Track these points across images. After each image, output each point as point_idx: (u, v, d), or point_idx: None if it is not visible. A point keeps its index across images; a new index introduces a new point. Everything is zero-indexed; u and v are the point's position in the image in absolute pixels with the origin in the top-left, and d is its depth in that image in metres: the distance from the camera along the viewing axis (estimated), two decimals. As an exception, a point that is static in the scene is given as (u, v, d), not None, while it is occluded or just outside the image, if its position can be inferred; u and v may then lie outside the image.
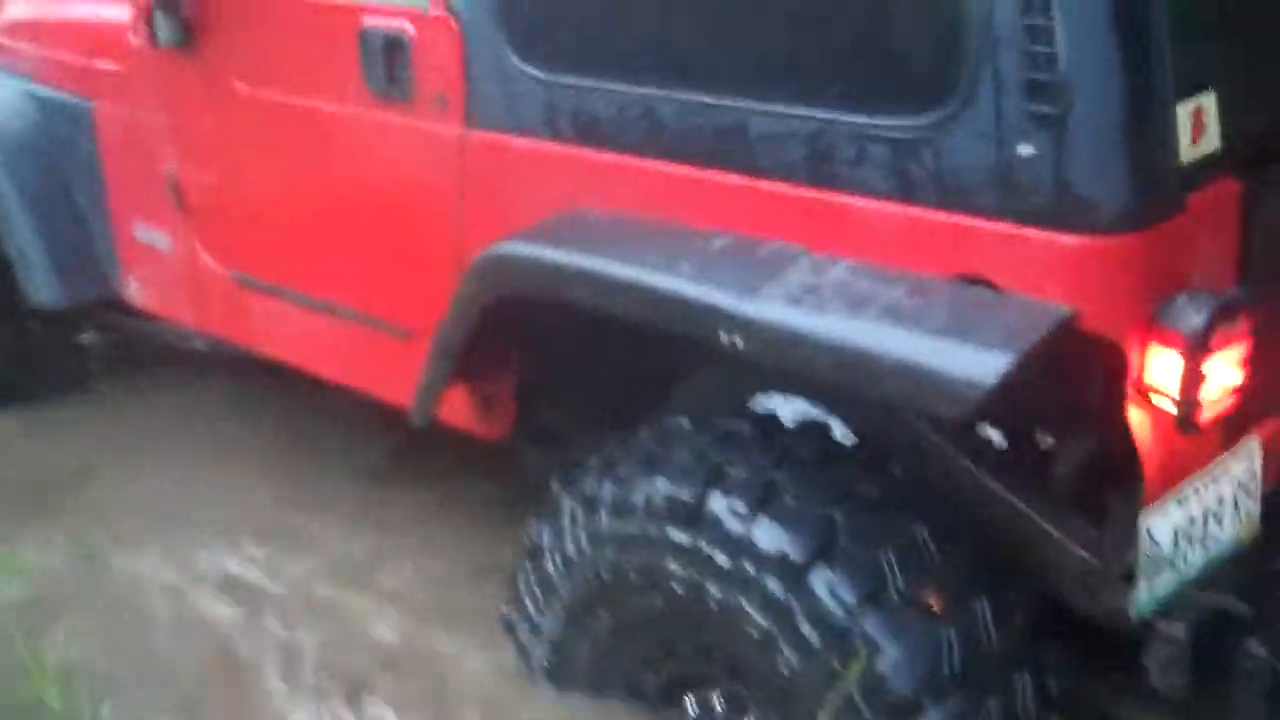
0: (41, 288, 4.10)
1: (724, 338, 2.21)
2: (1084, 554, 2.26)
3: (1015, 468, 2.42)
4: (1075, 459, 2.30)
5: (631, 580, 2.54)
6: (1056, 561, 2.30)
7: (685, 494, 2.41)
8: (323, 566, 3.57)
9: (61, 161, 4.09)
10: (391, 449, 4.10)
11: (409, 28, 2.85)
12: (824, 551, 2.28)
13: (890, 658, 2.22)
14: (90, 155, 3.98)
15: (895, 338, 2.06)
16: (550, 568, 2.69)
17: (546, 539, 2.71)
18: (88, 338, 4.69)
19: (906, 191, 2.19)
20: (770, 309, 2.18)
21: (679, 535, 2.41)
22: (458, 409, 3.02)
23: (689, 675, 2.66)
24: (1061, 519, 2.30)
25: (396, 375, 3.11)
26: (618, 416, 3.09)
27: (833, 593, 2.26)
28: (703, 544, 2.38)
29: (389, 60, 2.90)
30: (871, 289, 2.16)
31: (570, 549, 2.64)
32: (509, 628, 2.90)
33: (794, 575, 2.28)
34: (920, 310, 2.10)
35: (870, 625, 2.24)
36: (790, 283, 2.22)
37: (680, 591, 2.45)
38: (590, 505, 2.59)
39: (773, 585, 2.30)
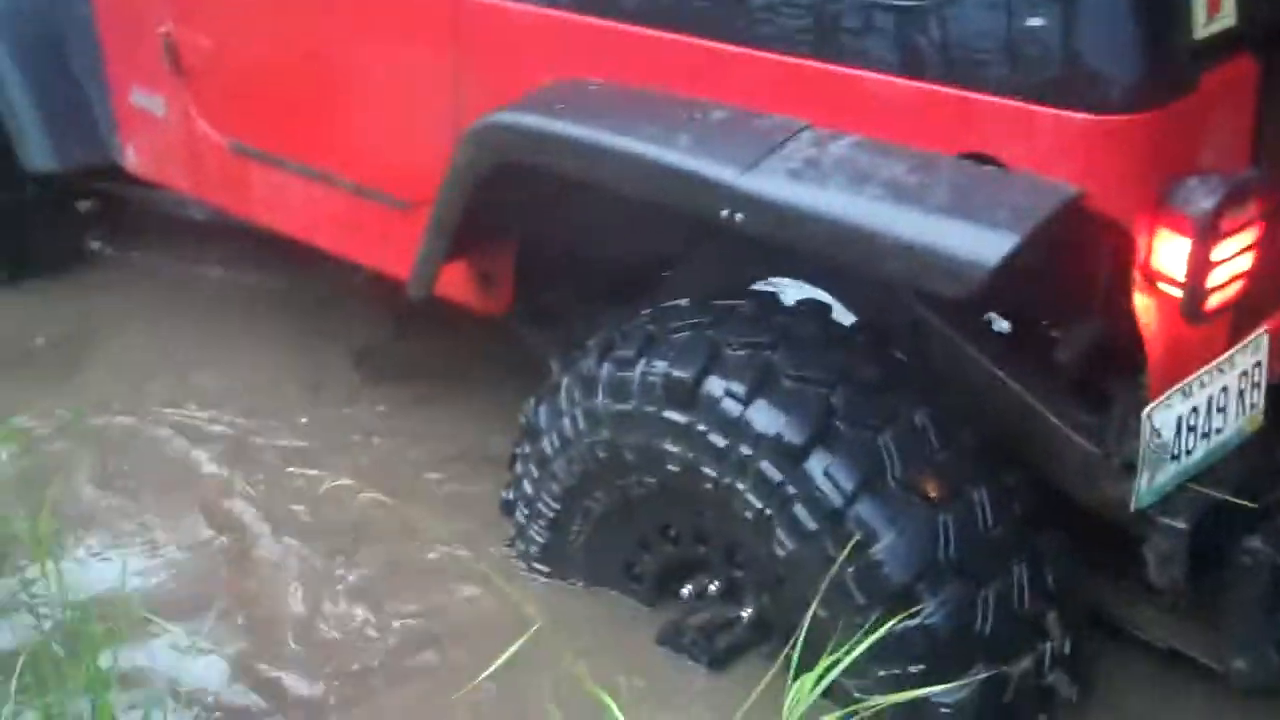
0: (35, 151, 4.04)
1: (723, 213, 2.15)
2: (1085, 443, 2.23)
3: (1018, 354, 2.38)
4: (1078, 346, 2.26)
5: (628, 460, 2.51)
6: (1057, 450, 2.27)
7: (683, 374, 2.37)
8: (308, 444, 3.55)
9: (56, 22, 4.00)
10: (389, 330, 4.07)
11: None
12: (821, 435, 2.24)
13: (886, 544, 2.20)
14: (85, 16, 3.89)
15: (898, 214, 2.00)
16: (548, 448, 2.67)
17: (544, 419, 2.68)
18: (84, 204, 4.63)
19: (912, 65, 2.10)
20: (771, 183, 2.11)
21: (676, 415, 2.38)
22: (456, 284, 2.97)
23: (685, 560, 2.64)
24: (1063, 407, 2.26)
25: (395, 248, 3.05)
26: (616, 295, 3.05)
27: (829, 477, 2.23)
28: (699, 424, 2.35)
29: None
30: (875, 165, 2.09)
31: (568, 428, 2.61)
32: (507, 509, 2.88)
33: (790, 458, 2.25)
34: (924, 187, 2.03)
35: (866, 511, 2.21)
36: (791, 157, 2.14)
37: (676, 471, 2.42)
38: (588, 385, 2.55)
39: (768, 468, 2.27)
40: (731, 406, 2.31)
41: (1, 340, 4.17)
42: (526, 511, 2.81)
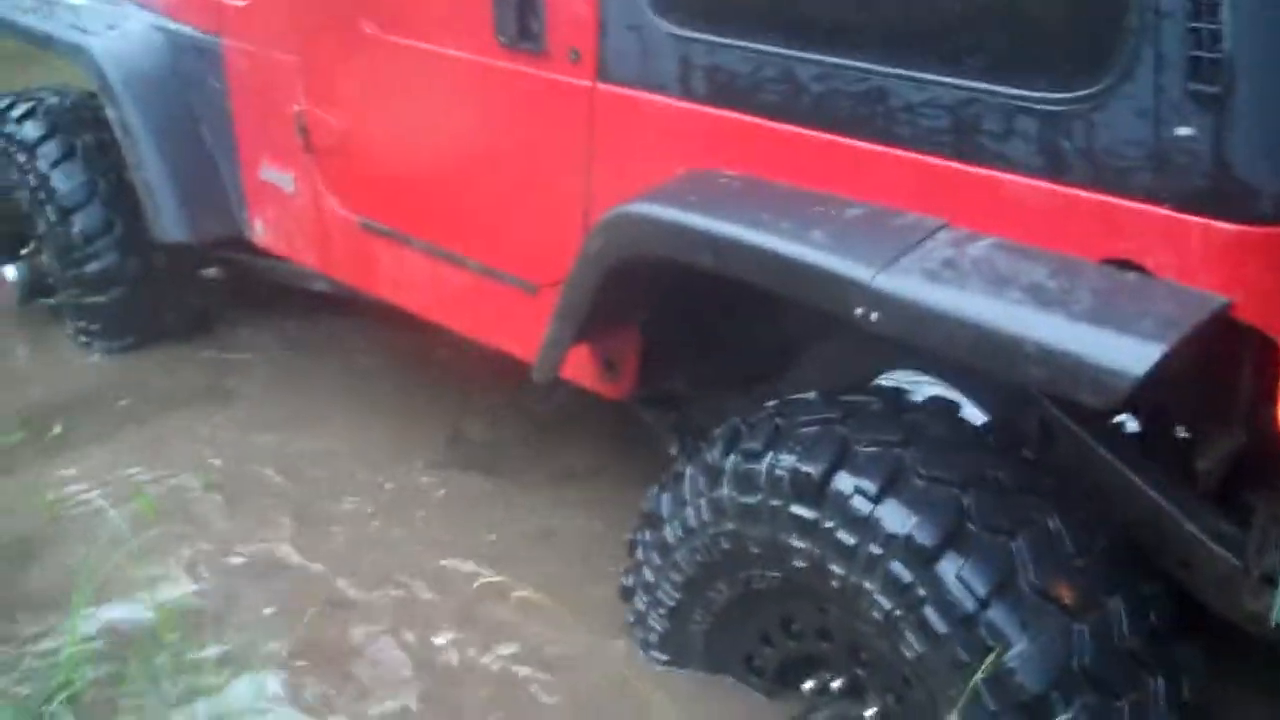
0: (167, 222, 4.14)
1: (858, 311, 2.14)
2: (1224, 554, 2.17)
3: (1155, 460, 2.33)
4: (1218, 455, 2.22)
5: (752, 553, 2.49)
6: (1195, 559, 2.22)
7: (811, 469, 2.35)
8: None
9: (190, 97, 4.11)
10: (496, 407, 4.12)
11: None
12: (953, 537, 2.21)
13: (1019, 651, 2.15)
14: (219, 92, 3.99)
15: (1040, 320, 1.97)
16: (670, 536, 2.66)
17: (667, 507, 2.68)
18: (211, 273, 4.74)
19: (1055, 168, 2.09)
20: (907, 283, 2.10)
21: (803, 510, 2.35)
22: (581, 367, 2.99)
23: (807, 657, 2.62)
24: (1201, 516, 2.21)
25: (521, 329, 3.09)
26: (738, 383, 3.05)
27: (961, 580, 2.19)
28: (827, 521, 2.32)
29: (521, 10, 2.84)
30: (1015, 268, 2.07)
31: (691, 518, 2.60)
32: (626, 595, 2.87)
33: (922, 560, 2.21)
34: (1067, 292, 2.01)
35: (999, 616, 2.16)
36: (929, 256, 2.13)
37: (801, 567, 2.40)
38: (713, 476, 2.54)
39: (898, 568, 2.23)
40: (861, 504, 2.28)
41: (108, 394, 4.31)
42: (646, 599, 2.80)
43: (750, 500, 2.46)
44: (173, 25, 4.12)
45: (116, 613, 3.13)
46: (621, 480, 3.58)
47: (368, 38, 3.31)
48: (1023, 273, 2.06)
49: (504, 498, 3.68)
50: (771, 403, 2.59)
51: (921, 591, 2.21)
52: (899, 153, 2.28)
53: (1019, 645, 2.15)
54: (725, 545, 2.55)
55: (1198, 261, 1.98)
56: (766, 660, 2.70)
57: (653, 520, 2.74)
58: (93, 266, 4.37)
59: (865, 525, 2.27)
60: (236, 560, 3.40)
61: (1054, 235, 2.11)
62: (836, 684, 2.56)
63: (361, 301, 3.88)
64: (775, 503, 2.41)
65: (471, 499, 3.67)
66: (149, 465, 3.85)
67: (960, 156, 2.20)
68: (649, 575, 2.77)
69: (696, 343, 3.02)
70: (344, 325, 4.58)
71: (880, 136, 2.31)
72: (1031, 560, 2.20)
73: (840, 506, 2.31)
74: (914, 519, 2.23)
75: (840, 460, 2.34)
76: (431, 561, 3.36)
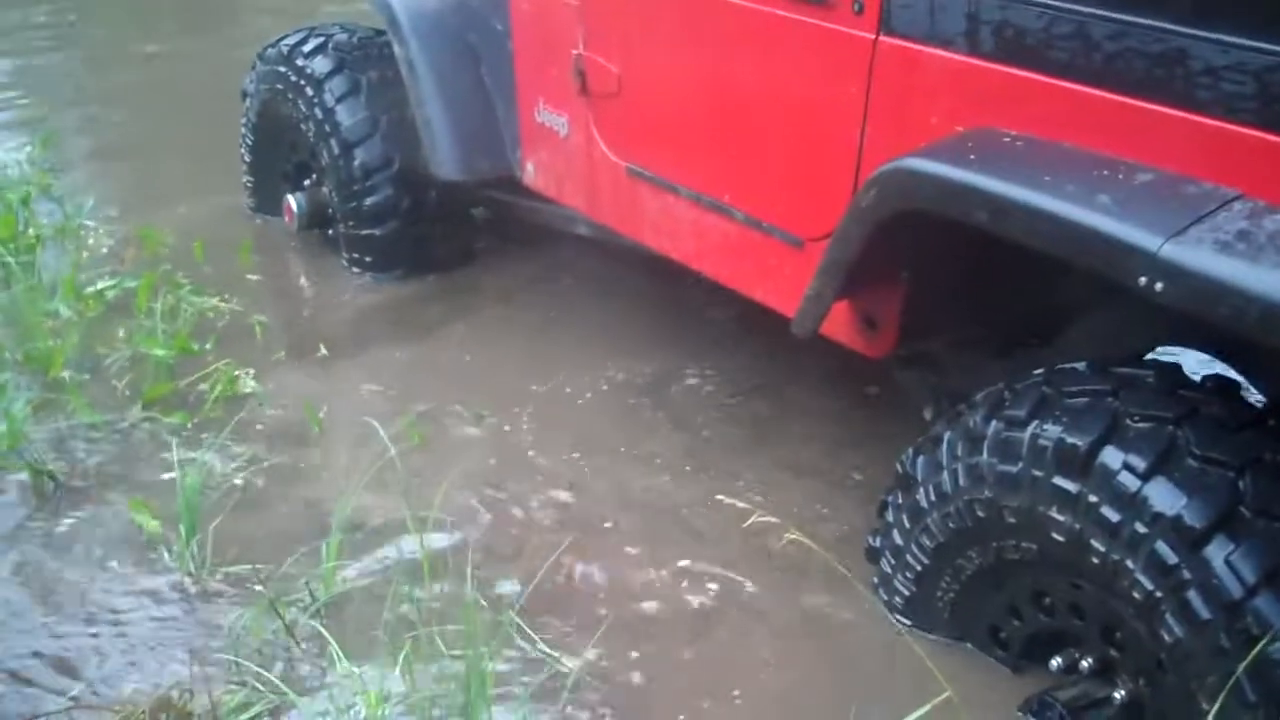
0: (444, 160, 4.25)
1: (1142, 280, 2.06)
2: None
3: None
4: None
5: (1008, 523, 2.44)
6: None
7: (1078, 441, 2.28)
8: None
9: (473, 39, 4.21)
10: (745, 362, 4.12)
11: None
12: (1225, 520, 2.12)
13: None
14: (501, 34, 4.08)
15: None
16: (923, 500, 2.62)
17: (922, 471, 2.64)
18: (478, 212, 4.85)
19: None
20: (1197, 254, 2.01)
21: (1066, 483, 2.29)
22: (840, 324, 2.96)
23: (1056, 633, 2.55)
24: None
25: (783, 283, 3.08)
26: (1000, 349, 2.99)
27: (1230, 565, 2.09)
28: (1091, 495, 2.25)
29: None
30: (1316, 243, 1.98)
31: (946, 483, 2.56)
32: (872, 556, 2.85)
33: (1189, 541, 2.13)
34: None
35: (1267, 605, 2.07)
36: (1221, 228, 2.04)
37: (1060, 541, 2.33)
38: (973, 441, 2.49)
39: (1164, 549, 2.15)
40: (1129, 480, 2.20)
41: (378, 321, 4.48)
42: (893, 561, 2.77)
43: (1010, 468, 2.40)
44: (460, -33, 4.21)
45: (376, 535, 3.25)
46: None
47: None
48: None
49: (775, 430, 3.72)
50: (1038, 370, 2.52)
51: (1186, 574, 2.13)
52: (1196, 118, 2.19)
53: None
54: (980, 513, 2.50)
55: None
56: (1013, 633, 2.64)
57: (906, 483, 2.70)
58: (370, 200, 4.50)
59: (1132, 502, 2.20)
60: (496, 493, 3.46)
61: (1361, 211, 2.00)
62: (1086, 663, 2.49)
63: (623, 246, 3.92)
64: (1037, 473, 2.35)
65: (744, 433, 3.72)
66: (409, 391, 3.97)
67: (1263, 124, 2.10)
68: (898, 538, 2.74)
69: (960, 304, 2.96)
70: (602, 267, 4.63)
71: (1177, 100, 2.21)
72: None
73: (1106, 481, 2.23)
74: (1184, 499, 2.15)
75: (1109, 433, 2.26)
76: (704, 494, 3.40)
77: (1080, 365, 2.48)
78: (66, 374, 3.91)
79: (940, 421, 2.71)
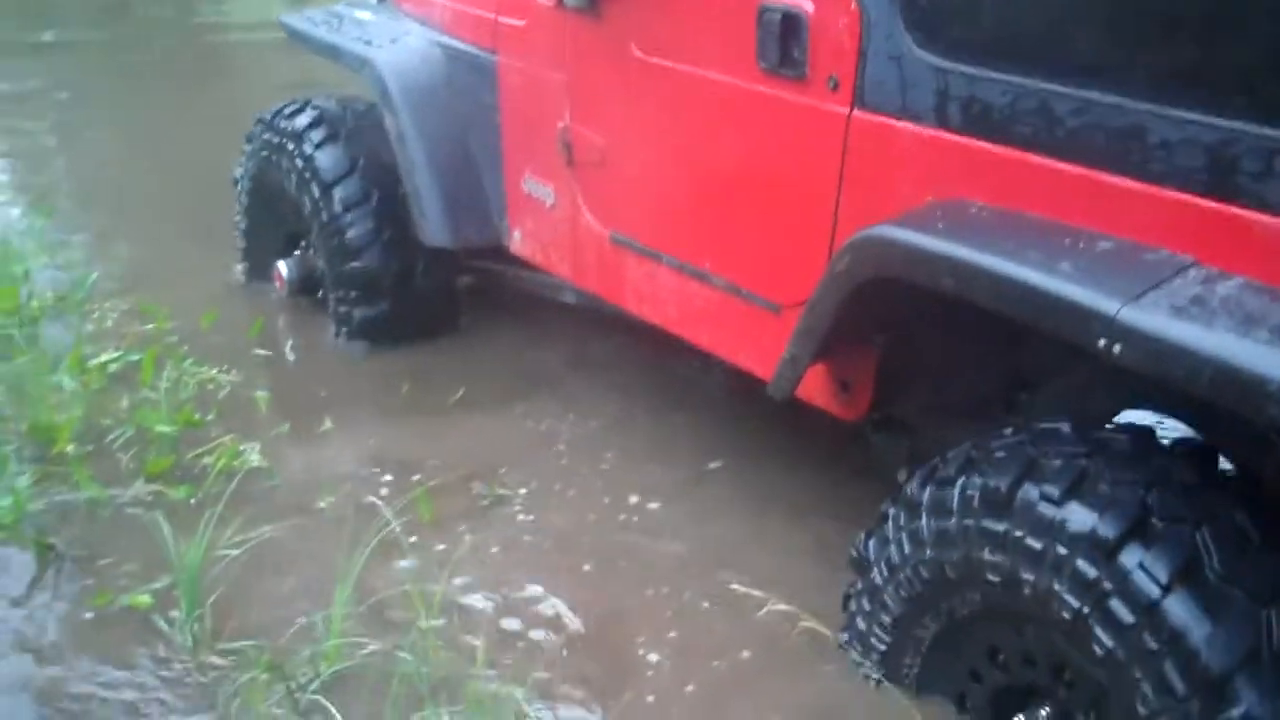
0: (432, 227, 4.35)
1: (1101, 343, 2.16)
2: None
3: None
4: None
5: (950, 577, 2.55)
6: None
7: (1052, 492, 2.36)
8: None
9: (462, 110, 4.32)
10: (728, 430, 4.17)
11: (808, 6, 2.87)
12: (1187, 575, 2.18)
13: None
14: (490, 106, 4.19)
15: None
16: (877, 578, 2.75)
17: (873, 551, 2.77)
18: (464, 280, 4.93)
19: None
20: (1153, 317, 2.11)
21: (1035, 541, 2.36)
22: (816, 388, 3.06)
23: (1015, 686, 2.62)
24: None
25: (762, 348, 3.17)
26: (968, 415, 3.07)
27: (1192, 621, 2.15)
28: (1078, 562, 2.30)
29: (784, 36, 2.93)
30: (1263, 308, 2.07)
31: (894, 555, 2.68)
32: (845, 647, 2.94)
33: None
34: None
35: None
36: (1177, 293, 2.14)
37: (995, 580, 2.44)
38: (911, 509, 2.62)
39: (1158, 648, 2.20)
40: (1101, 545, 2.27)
41: (372, 391, 4.50)
42: (860, 648, 2.85)
43: (945, 524, 2.52)
44: (451, 41, 4.35)
45: (381, 609, 3.25)
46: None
47: (634, 60, 3.44)
48: (1271, 313, 2.05)
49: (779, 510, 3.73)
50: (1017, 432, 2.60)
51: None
52: (1153, 189, 2.30)
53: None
54: (925, 574, 2.61)
55: None
56: (977, 696, 2.70)
57: (861, 566, 2.81)
58: (359, 269, 4.58)
59: (1108, 575, 2.25)
60: (503, 572, 3.47)
61: (1309, 279, 2.10)
62: (1043, 712, 2.55)
63: (608, 313, 4.01)
64: (968, 522, 2.47)
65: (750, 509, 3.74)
66: (415, 463, 3.99)
67: (1214, 194, 2.21)
68: (861, 624, 2.84)
69: (931, 370, 3.05)
70: (590, 335, 4.71)
71: (1135, 172, 2.32)
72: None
73: (1076, 541, 2.30)
74: (1152, 558, 2.21)
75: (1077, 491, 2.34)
76: (715, 581, 3.39)
77: (1062, 425, 2.55)
78: (70, 447, 3.93)
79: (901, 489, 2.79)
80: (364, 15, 4.79)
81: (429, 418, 4.31)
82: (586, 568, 3.47)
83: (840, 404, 3.07)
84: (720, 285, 3.32)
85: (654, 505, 3.75)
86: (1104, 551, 2.24)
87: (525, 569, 3.46)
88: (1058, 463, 2.37)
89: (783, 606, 3.17)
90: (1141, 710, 2.21)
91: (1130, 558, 2.22)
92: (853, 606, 2.86)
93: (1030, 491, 2.37)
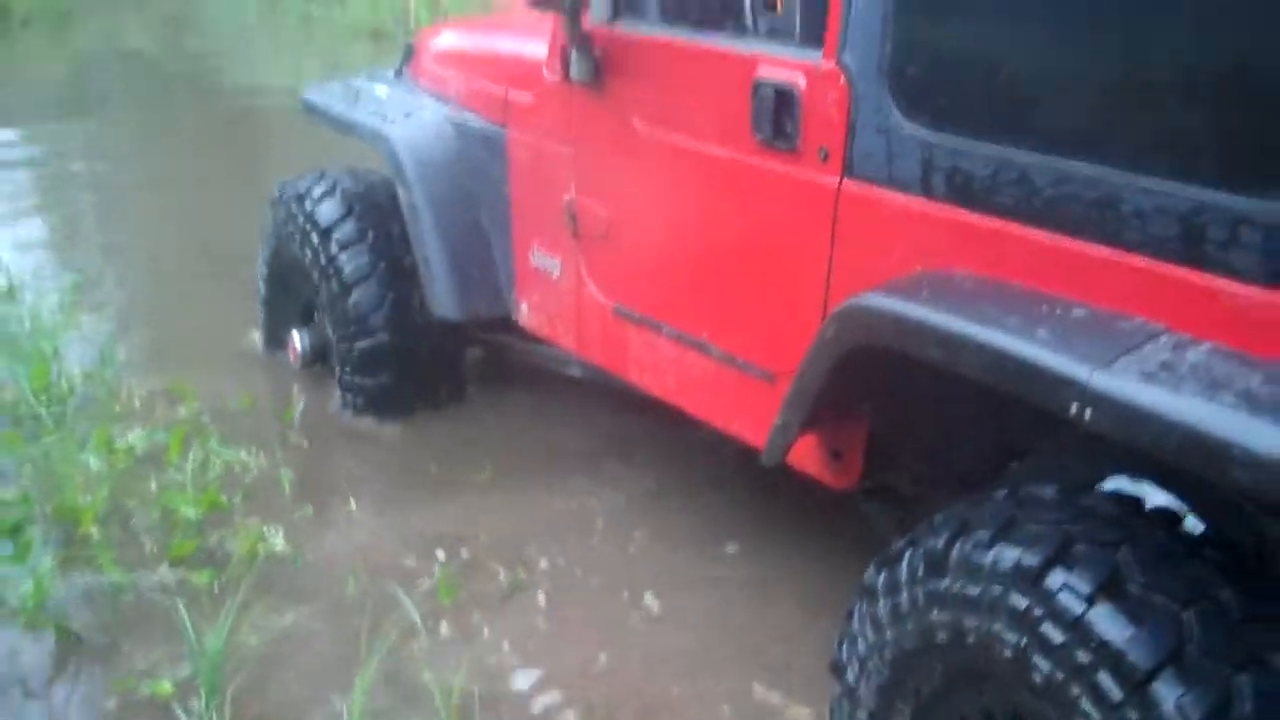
0: (441, 299, 4.42)
1: (1073, 408, 2.18)
2: None
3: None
4: None
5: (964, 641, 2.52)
6: None
7: (982, 538, 2.38)
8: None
9: (473, 184, 4.40)
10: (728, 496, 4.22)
11: (800, 80, 2.93)
12: (1172, 658, 2.16)
13: None
14: (499, 179, 4.27)
15: (1249, 425, 1.98)
16: (850, 682, 2.74)
17: (845, 653, 2.76)
18: (472, 352, 5.00)
19: (1276, 278, 2.12)
20: (1123, 383, 2.13)
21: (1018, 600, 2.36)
22: (808, 456, 3.09)
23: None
24: None
25: (757, 416, 3.20)
26: (959, 482, 3.09)
27: (1179, 709, 2.12)
28: (1038, 614, 2.30)
29: (777, 110, 2.99)
30: (1230, 374, 2.09)
31: (860, 648, 2.68)
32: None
33: (1135, 681, 2.16)
34: (1278, 400, 2.02)
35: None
36: (1147, 359, 2.17)
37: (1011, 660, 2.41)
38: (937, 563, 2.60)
39: (1109, 684, 2.19)
40: (1074, 605, 2.25)
41: (397, 470, 4.56)
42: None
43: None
44: (463, 116, 4.43)
45: (402, 694, 3.28)
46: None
47: (636, 134, 3.51)
48: (1237, 379, 2.07)
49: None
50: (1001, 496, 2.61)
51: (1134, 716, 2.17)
52: (1126, 257, 2.33)
53: None
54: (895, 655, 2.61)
55: None
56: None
57: (837, 669, 2.78)
58: (366, 341, 4.65)
59: (1078, 629, 2.23)
60: (524, 662, 3.49)
61: (1274, 344, 2.12)
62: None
63: (614, 387, 4.05)
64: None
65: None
66: (436, 544, 4.04)
67: (1185, 263, 2.24)
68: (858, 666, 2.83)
69: (921, 439, 3.08)
70: (604, 410, 4.75)
71: (1109, 240, 2.36)
72: (1252, 694, 2.11)
73: (1050, 602, 2.28)
74: (1130, 633, 2.18)
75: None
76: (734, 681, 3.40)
77: (1046, 490, 2.55)
78: (95, 529, 3.96)
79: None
80: (381, 89, 4.88)
81: (454, 497, 4.35)
82: (603, 659, 3.48)
83: (832, 473, 3.09)
84: (717, 355, 3.36)
85: (671, 595, 3.76)
86: (1030, 580, 2.26)
87: (542, 659, 3.47)
88: (987, 516, 2.42)
89: (804, 710, 3.22)
90: None
91: (1054, 580, 2.24)
92: (836, 714, 2.82)
93: (963, 545, 2.40)
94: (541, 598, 3.76)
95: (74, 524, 4.00)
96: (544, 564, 3.92)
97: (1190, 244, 2.23)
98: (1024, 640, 2.32)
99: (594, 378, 4.20)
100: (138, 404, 4.98)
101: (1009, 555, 2.36)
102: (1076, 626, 2.24)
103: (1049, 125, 2.48)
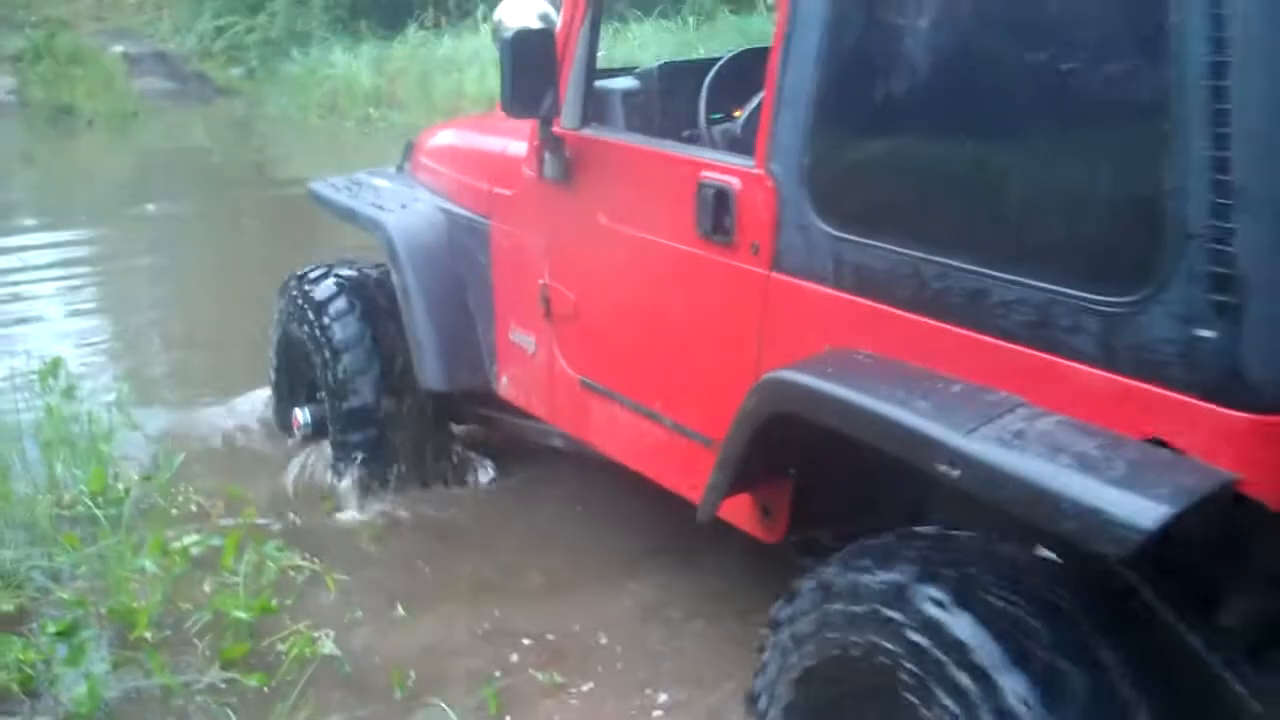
0: (431, 373, 4.82)
1: (943, 467, 2.57)
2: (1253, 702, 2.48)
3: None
4: (1242, 614, 2.54)
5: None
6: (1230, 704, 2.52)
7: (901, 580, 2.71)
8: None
9: (460, 268, 4.82)
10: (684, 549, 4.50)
11: (736, 182, 3.35)
12: (1016, 655, 2.50)
13: None
14: (483, 265, 4.69)
15: (1076, 481, 2.34)
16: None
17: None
18: (460, 429, 5.38)
19: (1110, 359, 2.50)
20: (982, 447, 2.51)
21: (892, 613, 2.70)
22: (740, 512, 3.48)
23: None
24: (1235, 664, 2.52)
25: (700, 478, 3.55)
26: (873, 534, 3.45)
27: (1019, 698, 2.46)
28: (907, 623, 2.64)
29: (717, 208, 3.40)
30: (1070, 439, 2.46)
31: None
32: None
33: (982, 674, 2.51)
34: (1106, 460, 2.38)
35: None
36: (1005, 427, 2.54)
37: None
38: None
39: (963, 679, 2.53)
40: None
41: (440, 569, 4.79)
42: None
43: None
44: (453, 207, 4.88)
45: None
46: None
47: (600, 226, 3.94)
48: (1075, 444, 2.45)
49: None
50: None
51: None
52: (996, 341, 2.73)
53: None
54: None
55: (1216, 444, 2.36)
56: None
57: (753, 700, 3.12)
58: (353, 400, 5.05)
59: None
60: None
61: (1109, 416, 2.51)
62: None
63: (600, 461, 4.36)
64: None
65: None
66: (484, 648, 4.20)
67: (1040, 346, 2.64)
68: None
69: (840, 497, 3.45)
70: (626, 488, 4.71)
71: (982, 327, 2.76)
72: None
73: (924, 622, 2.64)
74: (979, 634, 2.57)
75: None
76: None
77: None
78: (148, 633, 4.04)
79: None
80: (381, 182, 5.33)
81: (496, 597, 4.51)
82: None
83: (762, 527, 3.48)
84: (667, 424, 3.77)
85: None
86: (900, 595, 2.64)
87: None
88: (874, 549, 2.82)
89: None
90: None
91: (919, 594, 2.62)
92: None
93: (852, 573, 2.79)
94: (578, 705, 3.88)
95: (128, 626, 4.09)
96: (599, 668, 4.08)
97: (1045, 330, 2.63)
98: (897, 647, 2.68)
99: (576, 449, 4.54)
100: (194, 507, 5.11)
101: (885, 577, 2.75)
102: (936, 631, 2.61)
103: (934, 229, 2.88)
